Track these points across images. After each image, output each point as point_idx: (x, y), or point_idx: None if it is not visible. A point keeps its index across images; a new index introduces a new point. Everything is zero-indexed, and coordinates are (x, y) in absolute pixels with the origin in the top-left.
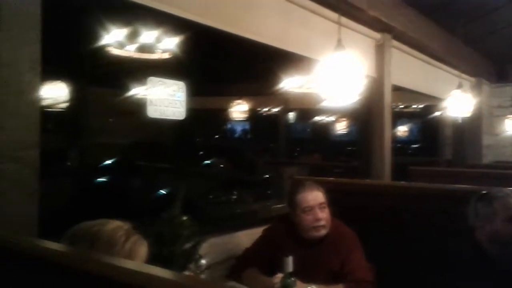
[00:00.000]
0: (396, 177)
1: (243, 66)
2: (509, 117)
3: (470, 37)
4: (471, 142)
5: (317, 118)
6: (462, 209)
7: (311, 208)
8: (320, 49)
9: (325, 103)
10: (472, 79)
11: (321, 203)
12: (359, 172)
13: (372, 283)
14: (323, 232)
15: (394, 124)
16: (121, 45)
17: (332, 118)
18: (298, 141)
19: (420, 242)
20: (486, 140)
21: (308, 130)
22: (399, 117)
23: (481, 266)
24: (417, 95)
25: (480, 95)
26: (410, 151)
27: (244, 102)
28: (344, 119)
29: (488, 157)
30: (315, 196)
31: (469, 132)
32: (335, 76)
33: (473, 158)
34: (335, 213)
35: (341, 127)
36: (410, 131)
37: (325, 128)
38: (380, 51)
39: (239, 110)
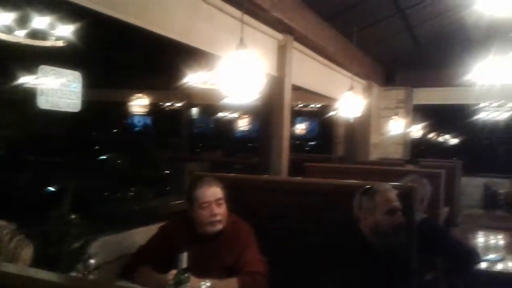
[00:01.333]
0: (295, 173)
1: (146, 59)
2: (393, 118)
3: (363, 43)
4: (360, 140)
5: (220, 114)
6: (349, 203)
7: (208, 204)
8: (223, 45)
9: (227, 100)
10: (364, 82)
11: (218, 199)
12: (258, 168)
13: (265, 275)
14: (219, 227)
15: (294, 122)
16: (9, 30)
17: (235, 115)
18: (201, 137)
19: (313, 235)
20: (373, 139)
21: (212, 126)
22: (298, 115)
23: (365, 256)
24: (315, 95)
25: (370, 97)
26: (308, 148)
27: (146, 96)
28: (246, 116)
29: (374, 155)
30: (212, 192)
31: (359, 131)
32: (236, 74)
33: (362, 155)
34: (233, 209)
35: (243, 124)
36: (309, 129)
37: (228, 125)
38: (282, 52)
39: (140, 103)
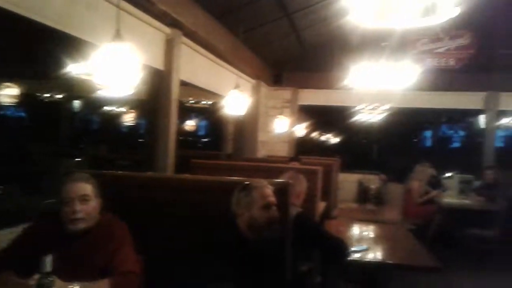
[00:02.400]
0: (183, 170)
1: (18, 45)
2: (279, 117)
3: (252, 43)
4: (249, 138)
5: (107, 108)
6: (229, 199)
7: (69, 200)
8: (102, 35)
9: (102, 92)
10: (253, 81)
11: (83, 195)
12: (144, 164)
13: (139, 275)
14: (81, 225)
15: (185, 118)
16: None
17: (123, 109)
18: (85, 131)
19: (194, 233)
20: (262, 136)
21: (97, 120)
22: (190, 112)
23: (240, 251)
24: (206, 92)
25: (258, 96)
26: (200, 145)
27: (15, 86)
28: (133, 110)
29: (263, 152)
30: (76, 188)
31: (248, 129)
32: (111, 65)
33: (250, 152)
34: (114, 207)
35: (130, 119)
36: (200, 125)
37: (114, 119)
38: (169, 46)
39: (8, 94)
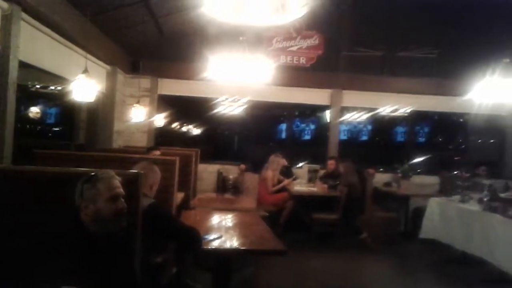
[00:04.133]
0: (26, 161)
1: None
2: (135, 106)
3: (105, 27)
4: (103, 127)
5: None
6: (73, 191)
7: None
8: None
9: None
10: (108, 67)
11: None
12: None
13: None
14: None
15: (30, 104)
16: None
17: None
18: None
19: (34, 227)
20: (118, 126)
21: None
22: (37, 98)
23: (86, 246)
24: (53, 76)
25: (114, 83)
26: (50, 134)
27: None
28: None
29: (118, 142)
30: None
31: (102, 117)
32: None
33: (105, 142)
34: None
35: None
36: (50, 113)
37: None
38: (6, 22)
39: None
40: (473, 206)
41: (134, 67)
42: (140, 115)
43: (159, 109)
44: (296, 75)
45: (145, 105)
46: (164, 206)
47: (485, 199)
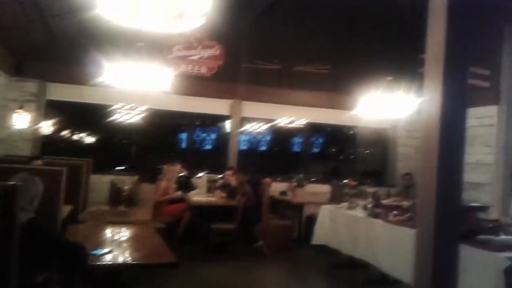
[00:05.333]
0: None
1: None
2: (18, 112)
3: None
4: None
5: None
6: None
7: None
8: None
9: None
10: None
11: None
12: None
13: None
14: None
15: None
16: None
17: None
18: None
19: None
20: None
21: None
22: None
23: None
24: None
25: None
26: None
27: None
28: None
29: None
30: None
31: None
32: None
33: None
34: None
35: None
36: None
37: None
38: None
39: None
40: (359, 213)
41: (18, 69)
42: (24, 122)
43: (47, 116)
44: (196, 85)
45: (30, 110)
46: (47, 221)
47: (369, 206)
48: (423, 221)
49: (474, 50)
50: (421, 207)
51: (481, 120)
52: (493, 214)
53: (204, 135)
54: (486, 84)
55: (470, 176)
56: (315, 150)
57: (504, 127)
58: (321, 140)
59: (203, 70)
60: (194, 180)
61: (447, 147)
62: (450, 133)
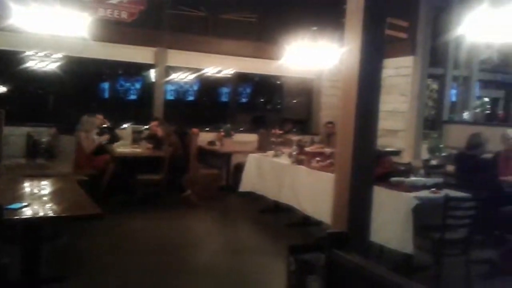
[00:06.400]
0: None
1: None
2: None
3: None
4: None
5: None
6: None
7: None
8: None
9: None
10: None
11: None
12: None
13: None
14: None
15: None
16: None
17: None
18: None
19: None
20: None
21: None
22: None
23: None
24: None
25: None
26: None
27: None
28: None
29: None
30: None
31: None
32: None
33: None
34: None
35: None
36: None
37: None
38: None
39: None
40: (284, 160)
41: None
42: None
43: None
44: (117, 31)
45: None
46: None
47: (294, 153)
48: (341, 165)
49: (393, 2)
50: (339, 153)
51: (398, 70)
52: (406, 158)
53: (128, 84)
54: (404, 35)
55: (387, 123)
56: (243, 100)
57: (419, 77)
58: (248, 90)
59: (124, 15)
60: (118, 131)
61: (364, 96)
62: (367, 82)
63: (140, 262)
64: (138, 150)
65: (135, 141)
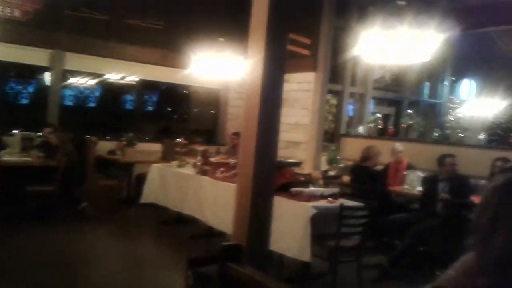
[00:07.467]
0: None
1: None
2: None
3: None
4: None
5: None
6: None
7: None
8: None
9: None
10: None
11: None
12: None
13: None
14: None
15: None
16: None
17: None
18: None
19: None
20: None
21: None
22: None
23: None
24: None
25: None
26: None
27: None
28: None
29: None
30: None
31: None
32: None
33: None
34: None
35: None
36: None
37: None
38: None
39: None
40: (188, 170)
41: None
42: None
43: None
44: (8, 30)
45: None
46: None
47: (198, 164)
48: (242, 175)
49: (297, 20)
50: (242, 163)
51: (301, 85)
52: (307, 169)
53: (19, 87)
54: (307, 52)
55: (290, 135)
56: (149, 108)
57: (320, 92)
58: (155, 98)
59: (17, 13)
60: (5, 138)
61: (266, 109)
62: (269, 95)
63: (31, 280)
64: (27, 158)
65: (25, 149)
